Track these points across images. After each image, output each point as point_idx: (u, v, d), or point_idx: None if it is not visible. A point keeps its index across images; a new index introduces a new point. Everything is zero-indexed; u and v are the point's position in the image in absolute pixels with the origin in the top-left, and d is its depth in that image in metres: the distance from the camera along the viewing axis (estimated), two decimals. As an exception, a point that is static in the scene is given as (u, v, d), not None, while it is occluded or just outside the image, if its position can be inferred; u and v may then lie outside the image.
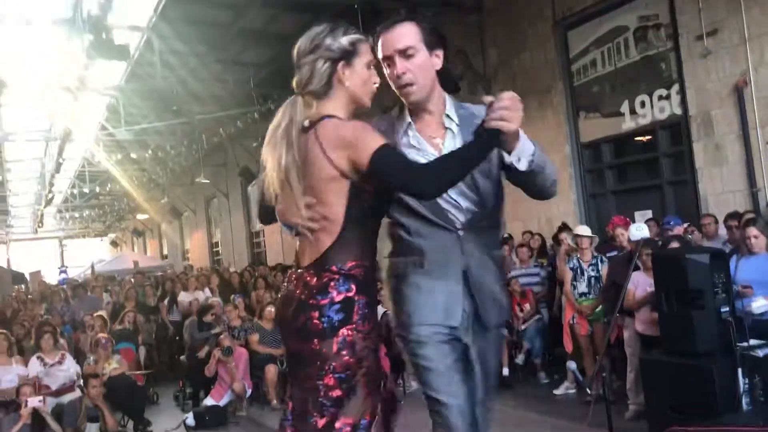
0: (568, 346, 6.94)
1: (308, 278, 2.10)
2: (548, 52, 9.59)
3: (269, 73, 14.15)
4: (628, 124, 8.75)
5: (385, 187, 2.11)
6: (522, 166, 2.04)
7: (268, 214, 2.33)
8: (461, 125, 2.27)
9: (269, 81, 14.23)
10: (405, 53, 2.20)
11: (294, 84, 2.19)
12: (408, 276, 2.25)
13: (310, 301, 2.06)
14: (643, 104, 8.49)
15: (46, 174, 22.37)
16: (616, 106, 8.84)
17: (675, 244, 5.23)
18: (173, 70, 13.08)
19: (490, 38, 10.56)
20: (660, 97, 8.28)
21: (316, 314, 2.04)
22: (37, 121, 16.77)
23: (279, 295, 2.31)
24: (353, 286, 2.08)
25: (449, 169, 2.00)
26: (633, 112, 8.62)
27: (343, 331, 2.04)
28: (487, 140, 2.00)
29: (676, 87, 8.05)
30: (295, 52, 2.19)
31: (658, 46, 8.22)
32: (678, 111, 8.07)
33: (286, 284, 2.21)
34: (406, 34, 2.21)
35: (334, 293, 2.06)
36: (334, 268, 2.08)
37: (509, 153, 2.06)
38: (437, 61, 2.26)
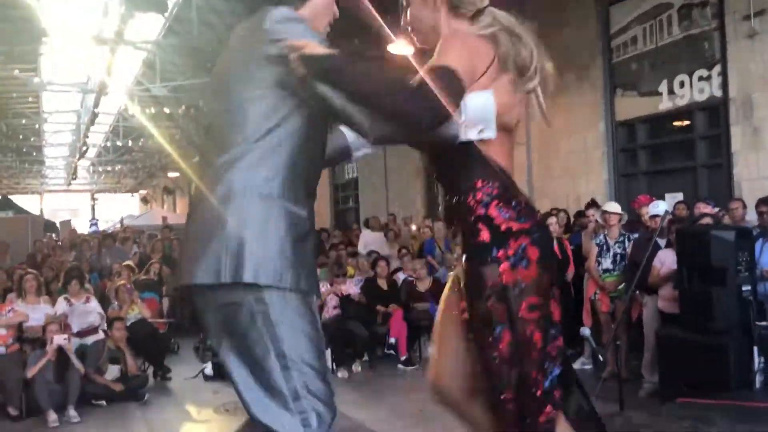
0: (587, 321, 6.89)
1: None
2: (589, 27, 9.41)
3: (305, 36, 14.14)
4: (665, 104, 8.58)
5: None
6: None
7: None
8: None
9: (304, 43, 14.22)
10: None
11: None
12: None
13: None
14: (682, 84, 8.31)
15: (81, 126, 22.72)
16: (655, 85, 8.66)
17: (707, 220, 5.14)
18: (210, 27, 13.13)
19: (530, 11, 10.33)
20: (700, 78, 8.10)
21: None
22: (75, 72, 16.98)
23: None
24: None
25: None
26: (671, 92, 8.45)
27: None
28: None
29: (717, 68, 7.86)
30: None
31: (703, 24, 8.01)
32: (718, 93, 7.88)
33: None
34: None
35: None
36: None
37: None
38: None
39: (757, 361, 4.00)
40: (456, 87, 1.81)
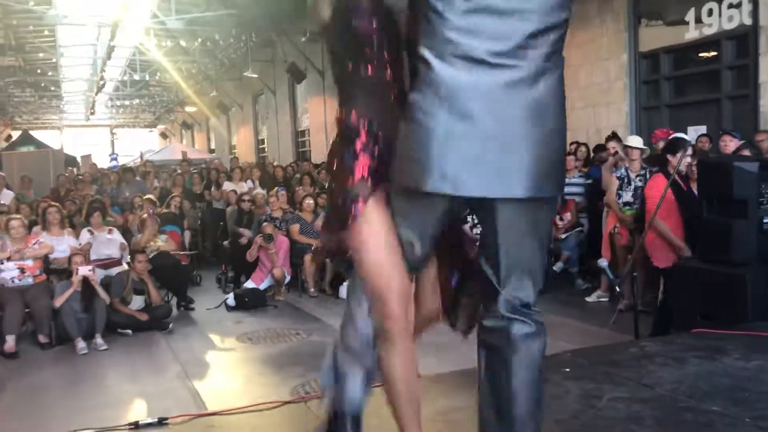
0: (607, 256, 6.90)
1: None
2: (613, -47, 9.07)
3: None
4: (691, 33, 8.32)
5: None
6: None
7: None
8: None
9: (321, -27, 13.88)
10: None
11: None
12: None
13: None
14: (710, 12, 8.03)
15: (98, 60, 22.61)
16: (681, 13, 8.39)
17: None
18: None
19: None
20: (730, 5, 7.82)
21: None
22: (90, 5, 16.76)
23: None
24: None
25: None
26: (699, 20, 8.18)
27: None
28: None
29: (748, -6, 7.59)
30: None
31: (734, -52, 7.70)
32: (748, 21, 7.62)
33: None
34: None
35: None
36: None
37: None
38: None
39: (774, 292, 4.01)
40: None
